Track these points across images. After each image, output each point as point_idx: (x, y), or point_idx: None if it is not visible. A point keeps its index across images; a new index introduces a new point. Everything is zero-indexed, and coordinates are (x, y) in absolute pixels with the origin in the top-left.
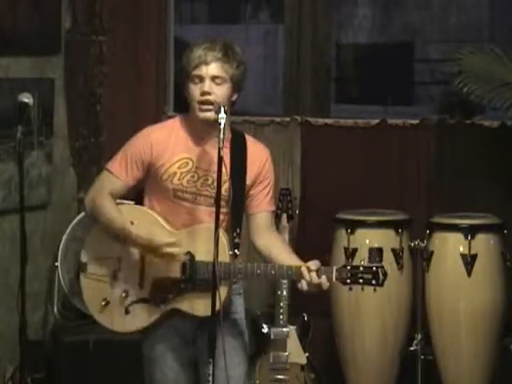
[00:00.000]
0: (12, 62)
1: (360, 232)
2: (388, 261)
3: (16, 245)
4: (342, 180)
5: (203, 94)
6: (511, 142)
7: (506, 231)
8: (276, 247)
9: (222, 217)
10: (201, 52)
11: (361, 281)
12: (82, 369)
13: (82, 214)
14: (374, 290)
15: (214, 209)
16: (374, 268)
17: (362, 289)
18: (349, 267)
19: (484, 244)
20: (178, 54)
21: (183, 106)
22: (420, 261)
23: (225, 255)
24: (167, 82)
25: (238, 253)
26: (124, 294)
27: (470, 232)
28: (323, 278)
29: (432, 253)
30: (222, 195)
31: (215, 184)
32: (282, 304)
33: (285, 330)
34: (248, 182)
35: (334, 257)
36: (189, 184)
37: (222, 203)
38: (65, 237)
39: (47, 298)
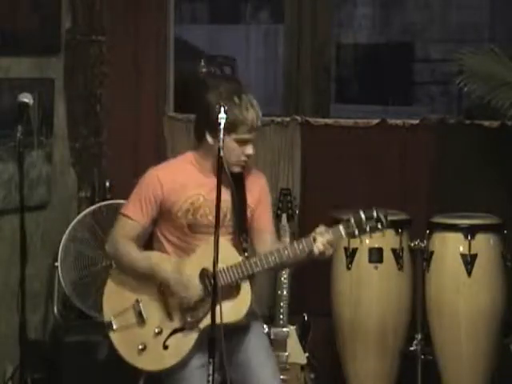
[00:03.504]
0: (12, 62)
1: None
2: (388, 261)
3: (16, 245)
4: (342, 180)
5: (248, 157)
6: (511, 142)
7: (506, 231)
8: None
9: (229, 236)
10: (254, 116)
11: (368, 229)
12: (81, 369)
13: (82, 213)
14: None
15: (229, 236)
16: (375, 213)
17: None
18: (352, 220)
19: (484, 244)
20: (178, 53)
21: (183, 106)
22: (420, 261)
23: (236, 258)
24: (167, 81)
25: (247, 255)
26: (158, 331)
27: (470, 232)
28: (332, 238)
29: (432, 253)
30: (226, 220)
31: (227, 214)
32: (282, 304)
33: (285, 330)
34: (251, 205)
35: (334, 257)
36: (202, 218)
37: (229, 228)
38: (65, 237)
39: (47, 297)
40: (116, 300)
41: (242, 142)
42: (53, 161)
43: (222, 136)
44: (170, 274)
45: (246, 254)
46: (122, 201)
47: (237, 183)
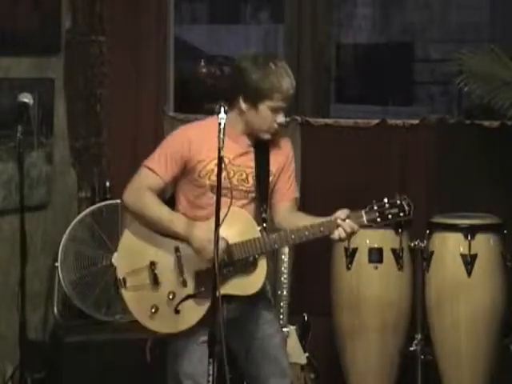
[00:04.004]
0: (12, 62)
1: (360, 232)
2: (388, 261)
3: (16, 245)
4: (342, 180)
5: (280, 125)
6: (511, 142)
7: (505, 231)
8: (303, 220)
9: (249, 201)
10: (289, 85)
11: (390, 217)
12: (82, 369)
13: (82, 213)
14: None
15: (247, 201)
16: (398, 201)
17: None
18: (375, 207)
19: (484, 244)
20: (178, 54)
21: (183, 106)
22: (420, 261)
23: (254, 231)
24: (167, 82)
25: (265, 226)
26: (171, 296)
27: (470, 232)
28: (354, 224)
29: (432, 253)
30: (249, 185)
31: (249, 179)
32: (282, 304)
33: (285, 330)
34: (274, 173)
35: (334, 257)
36: (225, 180)
37: (251, 193)
38: (65, 237)
39: (47, 298)
40: (131, 258)
41: (275, 110)
42: (53, 161)
43: (222, 136)
44: (196, 234)
45: (264, 225)
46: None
47: (262, 149)
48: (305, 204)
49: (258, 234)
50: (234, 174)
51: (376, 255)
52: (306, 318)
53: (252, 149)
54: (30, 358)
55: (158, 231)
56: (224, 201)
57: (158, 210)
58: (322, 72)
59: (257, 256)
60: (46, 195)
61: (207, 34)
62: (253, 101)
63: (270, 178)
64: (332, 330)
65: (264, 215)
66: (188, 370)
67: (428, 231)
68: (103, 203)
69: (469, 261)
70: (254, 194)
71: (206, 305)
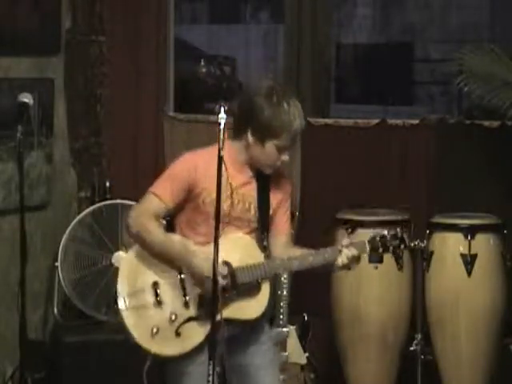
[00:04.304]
0: (12, 62)
1: (360, 232)
2: (388, 261)
3: (16, 245)
4: (342, 180)
5: (283, 163)
6: (511, 142)
7: (505, 231)
8: (300, 252)
9: (250, 230)
10: (299, 126)
11: (391, 248)
12: (82, 369)
13: (82, 213)
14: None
15: (249, 231)
16: (399, 234)
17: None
18: (378, 238)
19: (484, 244)
20: (178, 54)
21: (183, 106)
22: (420, 261)
23: (258, 256)
24: (167, 82)
25: (267, 253)
26: (173, 317)
27: (470, 232)
28: (356, 251)
29: (432, 253)
30: (251, 215)
31: (251, 208)
32: (282, 304)
33: (285, 330)
34: (274, 206)
35: None
36: (228, 209)
37: (253, 223)
38: (65, 237)
39: (47, 298)
40: (133, 278)
41: (281, 149)
42: (53, 161)
43: (222, 136)
44: (197, 261)
45: (266, 253)
46: (122, 201)
47: (263, 180)
48: (305, 204)
49: (262, 259)
50: (238, 203)
51: (376, 255)
52: (305, 317)
53: (254, 179)
54: (30, 358)
55: (157, 258)
56: (226, 230)
57: (159, 239)
58: (322, 72)
59: (260, 280)
60: (45, 195)
61: (207, 34)
62: (260, 137)
63: (270, 210)
64: (332, 330)
65: (265, 243)
66: None
67: (428, 231)
68: (103, 203)
69: (469, 261)
70: (255, 224)
71: (207, 327)
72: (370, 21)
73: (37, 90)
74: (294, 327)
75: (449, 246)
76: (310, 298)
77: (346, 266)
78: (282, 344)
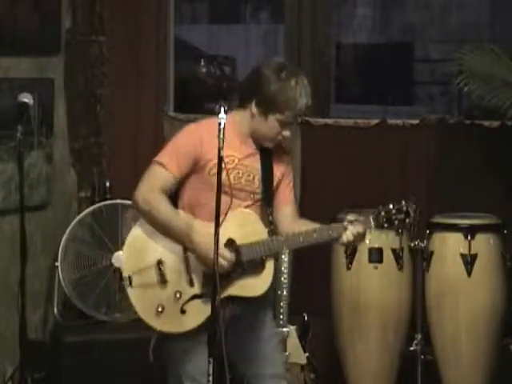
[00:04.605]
0: (12, 62)
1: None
2: (388, 261)
3: (16, 245)
4: (342, 180)
5: (284, 138)
6: (511, 142)
7: (505, 231)
8: (307, 227)
9: (253, 202)
10: (304, 105)
11: (396, 222)
12: (82, 369)
13: (82, 213)
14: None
15: (252, 203)
16: (404, 207)
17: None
18: (383, 213)
19: (484, 244)
20: (178, 54)
21: (183, 105)
22: (420, 261)
23: (262, 232)
24: (167, 82)
25: (272, 228)
26: (178, 295)
27: (470, 232)
28: (361, 228)
29: (432, 253)
30: (256, 186)
31: (256, 180)
32: (282, 304)
33: (285, 330)
34: (278, 177)
35: (333, 257)
36: (235, 180)
37: (257, 195)
38: (65, 237)
39: (47, 298)
40: (138, 256)
41: (283, 124)
42: (53, 161)
43: (221, 136)
44: (199, 241)
45: (271, 227)
46: (122, 201)
47: (266, 154)
48: (305, 204)
49: (266, 236)
50: (243, 175)
51: (376, 255)
52: (305, 317)
53: (258, 151)
54: (30, 358)
55: (164, 234)
56: (227, 200)
57: (167, 215)
58: (321, 72)
59: (264, 258)
60: (45, 195)
61: (207, 34)
62: (264, 109)
63: (275, 182)
64: (332, 329)
65: (270, 218)
66: (190, 371)
67: (428, 231)
68: (103, 203)
69: (469, 261)
70: (259, 196)
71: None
72: (370, 21)
73: (37, 90)
74: (294, 327)
75: (449, 246)
76: (310, 297)
77: (351, 243)
78: (282, 344)
